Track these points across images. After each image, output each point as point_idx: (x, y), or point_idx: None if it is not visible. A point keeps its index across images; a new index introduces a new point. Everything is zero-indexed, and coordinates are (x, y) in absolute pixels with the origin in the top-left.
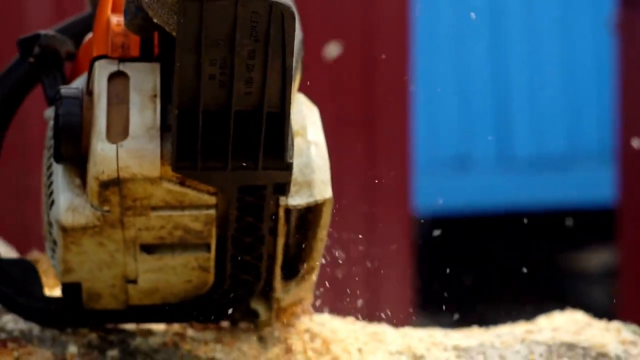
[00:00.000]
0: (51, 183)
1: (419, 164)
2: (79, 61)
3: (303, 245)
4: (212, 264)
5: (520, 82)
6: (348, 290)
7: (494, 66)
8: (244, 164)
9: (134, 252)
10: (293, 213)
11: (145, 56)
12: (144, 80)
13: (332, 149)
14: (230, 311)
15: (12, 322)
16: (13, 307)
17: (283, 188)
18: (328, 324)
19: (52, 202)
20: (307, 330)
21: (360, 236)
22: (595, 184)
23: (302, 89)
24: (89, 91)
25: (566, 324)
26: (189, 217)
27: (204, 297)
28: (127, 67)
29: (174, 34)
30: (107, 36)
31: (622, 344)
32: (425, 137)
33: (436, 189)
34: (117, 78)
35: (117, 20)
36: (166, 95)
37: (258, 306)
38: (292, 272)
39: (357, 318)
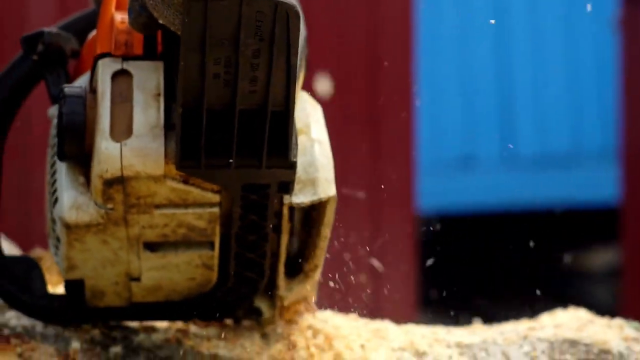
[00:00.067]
0: (55, 181)
1: (423, 163)
2: (83, 59)
3: (307, 243)
4: (215, 261)
5: (524, 82)
6: (352, 288)
7: (498, 66)
8: (248, 163)
9: (137, 250)
10: (297, 211)
11: (148, 54)
12: (147, 78)
13: (336, 149)
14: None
15: (15, 318)
16: (16, 304)
17: (287, 186)
18: (331, 320)
19: (56, 200)
20: (309, 327)
21: (364, 235)
22: (598, 183)
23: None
24: (93, 89)
25: (569, 321)
26: (192, 215)
27: (208, 294)
28: (130, 66)
29: (179, 33)
30: (111, 34)
31: (624, 340)
32: (429, 136)
33: (440, 188)
34: (121, 76)
35: (121, 17)
36: (170, 93)
37: (261, 304)
38: (295, 270)
39: (359, 315)
